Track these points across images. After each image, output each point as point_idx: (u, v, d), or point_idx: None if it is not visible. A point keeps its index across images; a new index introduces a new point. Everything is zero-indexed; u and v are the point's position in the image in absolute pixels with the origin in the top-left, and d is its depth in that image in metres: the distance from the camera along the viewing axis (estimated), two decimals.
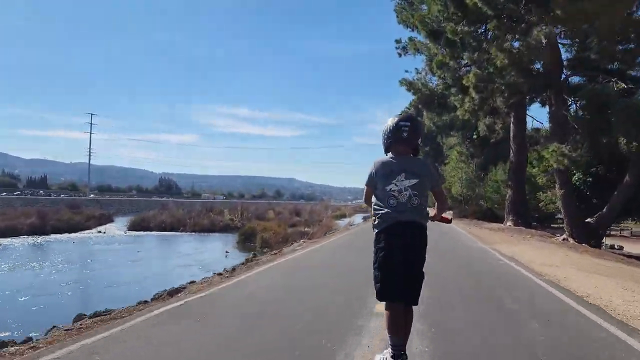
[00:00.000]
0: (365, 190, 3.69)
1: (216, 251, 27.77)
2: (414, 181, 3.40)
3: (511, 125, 28.49)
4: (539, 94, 23.93)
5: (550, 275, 8.90)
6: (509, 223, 27.48)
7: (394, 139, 3.51)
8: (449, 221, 4.05)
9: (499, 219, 31.34)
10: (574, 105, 21.69)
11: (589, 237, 19.98)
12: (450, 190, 42.13)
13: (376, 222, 3.47)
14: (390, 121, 3.54)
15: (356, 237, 18.82)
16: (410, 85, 30.94)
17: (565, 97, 21.02)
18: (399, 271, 3.33)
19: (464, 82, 23.23)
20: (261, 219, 48.39)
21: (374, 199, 3.56)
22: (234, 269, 10.92)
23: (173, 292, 8.33)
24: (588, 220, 20.58)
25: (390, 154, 3.56)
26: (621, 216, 26.43)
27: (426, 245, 3.46)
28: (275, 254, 14.29)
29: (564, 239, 20.00)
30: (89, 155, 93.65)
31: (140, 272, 19.03)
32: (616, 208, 20.01)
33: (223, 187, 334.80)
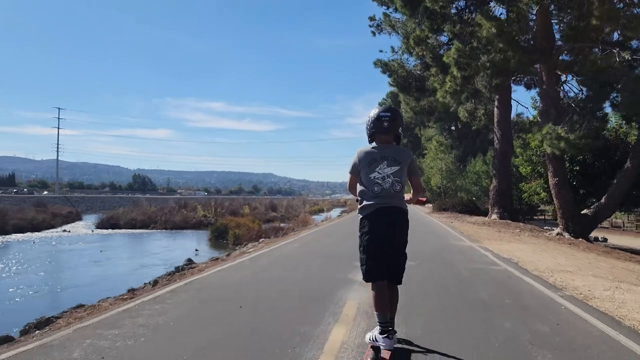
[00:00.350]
0: (349, 179, 3.96)
1: (186, 249, 26.40)
2: (395, 168, 3.73)
3: (495, 109, 26.51)
4: (528, 70, 21.65)
5: (570, 289, 6.73)
6: (494, 216, 25.91)
7: (376, 129, 3.79)
8: (423, 203, 4.34)
9: (482, 212, 30.28)
10: (569, 81, 20.06)
11: (585, 230, 18.39)
12: (430, 182, 41.52)
13: (362, 208, 3.80)
14: (372, 112, 3.84)
15: (325, 236, 17.64)
16: (385, 67, 28.83)
17: (559, 72, 18.86)
18: (383, 253, 3.66)
19: (444, 59, 21.42)
20: (236, 214, 47.12)
21: (359, 186, 3.85)
22: (156, 282, 9.59)
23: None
24: (584, 212, 18.68)
25: (373, 144, 3.83)
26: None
27: (408, 227, 3.82)
28: (216, 260, 11.88)
29: (558, 234, 18.25)
30: (57, 151, 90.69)
31: (99, 274, 17.62)
32: (616, 198, 18.01)
33: (199, 183, 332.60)
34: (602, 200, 18.19)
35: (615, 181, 17.57)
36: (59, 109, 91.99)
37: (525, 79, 25.16)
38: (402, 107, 31.80)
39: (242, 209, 51.70)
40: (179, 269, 12.01)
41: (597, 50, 17.15)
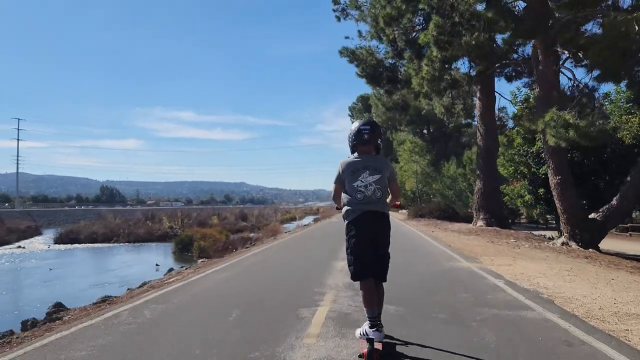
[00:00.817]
0: (334, 188, 4.32)
1: (147, 264, 24.76)
2: (376, 176, 4.11)
3: (477, 102, 23.46)
4: (519, 47, 19.41)
5: None
6: (480, 223, 22.58)
7: (357, 141, 4.21)
8: (398, 207, 4.80)
9: (462, 218, 28.52)
10: (567, 65, 16.80)
11: (595, 238, 15.15)
12: (404, 186, 40.56)
13: (346, 213, 4.18)
14: (353, 126, 4.28)
15: (285, 248, 16.34)
16: (352, 56, 25.33)
17: (559, 49, 15.33)
18: (369, 254, 4.06)
19: (421, 38, 18.79)
20: (204, 225, 45.61)
21: (343, 194, 4.24)
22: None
23: None
24: (592, 216, 15.46)
25: (355, 154, 4.26)
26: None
27: (390, 230, 4.22)
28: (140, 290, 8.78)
29: (563, 244, 15.23)
30: (17, 164, 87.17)
31: (41, 297, 15.86)
32: (629, 198, 14.83)
33: (170, 194, 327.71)
34: (614, 202, 15.03)
35: (628, 179, 14.69)
36: (18, 119, 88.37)
37: (507, 69, 23.11)
38: (372, 109, 30.77)
39: (211, 219, 50.06)
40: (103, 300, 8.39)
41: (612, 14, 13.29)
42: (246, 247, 20.04)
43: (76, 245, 37.71)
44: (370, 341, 3.70)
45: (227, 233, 35.66)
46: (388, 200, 4.33)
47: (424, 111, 30.59)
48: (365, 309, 4.04)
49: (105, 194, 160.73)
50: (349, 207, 4.14)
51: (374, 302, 4.02)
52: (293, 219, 69.93)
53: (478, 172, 23.46)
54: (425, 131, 38.60)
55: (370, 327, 3.96)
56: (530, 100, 20.43)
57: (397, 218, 34.90)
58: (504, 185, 23.99)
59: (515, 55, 20.60)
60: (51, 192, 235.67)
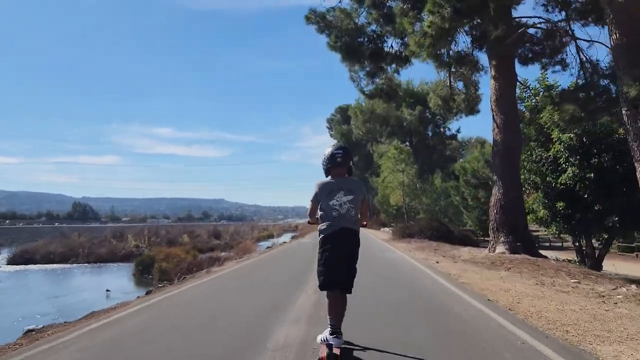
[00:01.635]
0: (310, 206, 4.69)
1: (100, 289, 22.00)
2: (350, 197, 4.48)
3: (491, 83, 17.15)
4: None
5: None
6: (500, 248, 15.74)
7: (331, 164, 4.57)
8: (364, 225, 5.07)
9: (458, 239, 24.29)
10: None
11: None
12: (389, 200, 38.27)
13: (322, 229, 4.50)
14: (327, 151, 4.64)
15: (246, 273, 13.95)
16: (322, 21, 19.29)
17: None
18: (340, 267, 4.39)
19: None
20: (173, 244, 42.95)
21: (319, 212, 4.57)
22: None
23: None
24: None
25: (330, 177, 4.60)
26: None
27: (359, 246, 4.55)
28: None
29: None
30: None
31: None
32: None
33: (148, 210, 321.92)
34: None
35: None
36: None
37: (522, 49, 18.10)
38: (352, 121, 28.58)
39: (182, 237, 47.25)
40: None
41: None
42: (206, 271, 17.57)
43: (31, 266, 34.59)
44: (329, 347, 4.12)
45: (194, 253, 33.10)
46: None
47: (406, 122, 28.62)
48: (329, 317, 4.38)
49: (77, 211, 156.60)
50: (326, 223, 4.47)
51: (337, 311, 4.38)
52: (270, 236, 67.46)
53: (495, 176, 17.29)
54: (407, 143, 36.86)
55: (331, 334, 4.32)
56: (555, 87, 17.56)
57: (378, 237, 31.25)
58: None
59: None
60: (24, 209, 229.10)
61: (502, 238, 15.84)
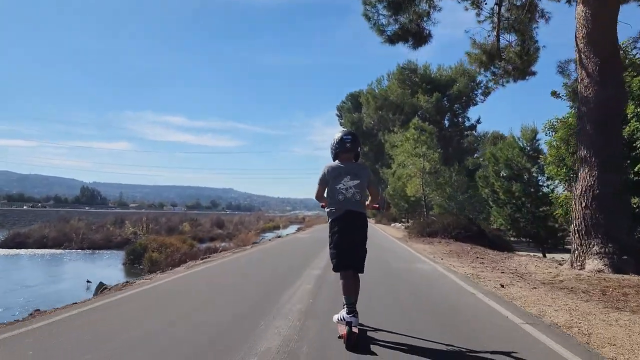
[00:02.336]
0: (317, 189, 4.87)
1: (82, 279, 20.19)
2: (356, 181, 4.63)
3: (577, 11, 11.74)
4: None
5: None
6: (592, 262, 10.39)
7: (340, 149, 4.76)
8: (378, 208, 5.35)
9: (491, 241, 19.66)
10: None
11: None
12: (401, 193, 34.83)
13: (330, 212, 4.69)
14: (337, 136, 4.83)
15: (241, 265, 12.01)
16: None
17: None
18: (349, 248, 4.55)
19: None
20: (173, 232, 41.37)
21: (325, 194, 4.79)
22: None
23: None
24: None
25: (337, 161, 4.78)
26: None
27: (367, 228, 4.74)
28: None
29: None
30: None
31: None
32: None
33: (157, 197, 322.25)
34: None
35: None
36: None
37: None
38: (363, 109, 26.17)
39: (182, 225, 45.53)
40: None
41: None
42: (202, 259, 15.71)
43: (22, 250, 33.00)
44: (348, 324, 4.29)
45: (192, 242, 31.35)
46: (368, 202, 4.91)
47: (422, 110, 26.36)
48: (344, 297, 4.50)
49: (85, 195, 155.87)
50: (331, 207, 4.67)
51: (351, 291, 4.51)
52: (276, 227, 66.29)
53: (583, 151, 11.23)
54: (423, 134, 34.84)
55: (348, 313, 4.42)
56: None
57: (390, 234, 26.82)
58: (552, 194, 16.31)
59: None
60: (35, 192, 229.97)
61: (596, 247, 10.48)
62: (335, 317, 4.83)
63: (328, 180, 4.67)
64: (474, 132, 38.69)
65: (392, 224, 39.81)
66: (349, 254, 4.51)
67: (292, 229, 54.95)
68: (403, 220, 38.19)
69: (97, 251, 32.99)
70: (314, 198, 5.00)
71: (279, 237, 32.15)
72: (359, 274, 4.62)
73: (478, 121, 40.81)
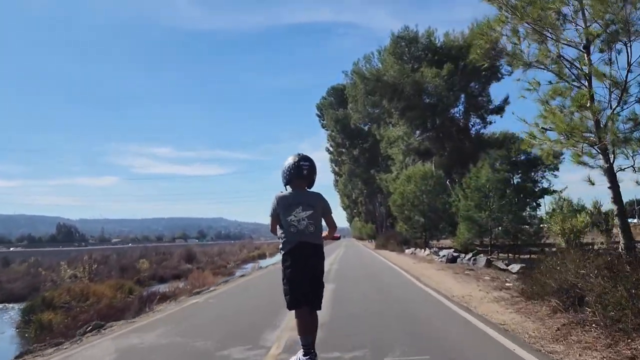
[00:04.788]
0: (270, 222, 4.51)
1: None
2: (309, 212, 4.28)
3: None
4: None
5: None
6: None
7: (295, 175, 4.35)
8: (337, 238, 5.00)
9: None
10: None
11: None
12: (421, 197, 27.01)
13: (283, 245, 4.36)
14: (292, 159, 4.38)
15: None
16: None
17: None
18: (304, 282, 4.19)
19: None
20: (127, 271, 33.72)
21: (279, 227, 4.44)
22: None
23: None
24: None
25: (289, 188, 4.43)
26: None
27: (324, 259, 4.44)
28: None
29: None
30: None
31: None
32: None
33: (146, 231, 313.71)
34: None
35: None
36: None
37: None
38: (350, 103, 18.86)
39: (140, 263, 37.66)
40: None
41: None
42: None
43: None
44: None
45: (131, 287, 23.73)
46: (326, 234, 4.65)
47: (428, 91, 19.07)
48: (300, 337, 4.25)
49: (62, 233, 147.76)
50: (284, 239, 4.31)
51: (308, 330, 4.23)
52: (262, 255, 59.30)
53: None
54: (428, 124, 27.02)
55: (304, 355, 4.19)
56: None
57: (426, 280, 21.60)
58: None
59: None
60: (20, 232, 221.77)
61: None
62: (292, 359, 4.46)
63: (279, 211, 4.33)
64: (501, 115, 30.47)
65: (406, 250, 28.85)
66: (304, 289, 4.21)
67: (279, 257, 47.53)
68: (418, 240, 29.61)
69: (9, 305, 25.13)
70: (270, 232, 4.65)
71: (261, 267, 29.12)
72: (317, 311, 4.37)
73: (505, 101, 30.71)
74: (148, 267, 36.69)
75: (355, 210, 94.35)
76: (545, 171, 24.04)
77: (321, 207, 4.40)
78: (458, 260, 18.27)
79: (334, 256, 27.11)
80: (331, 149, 65.18)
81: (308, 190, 4.45)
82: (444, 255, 19.80)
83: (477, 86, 30.12)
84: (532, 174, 23.89)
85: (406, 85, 23.37)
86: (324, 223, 4.60)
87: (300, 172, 4.32)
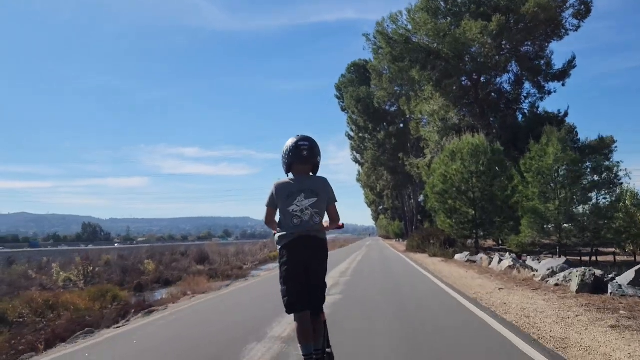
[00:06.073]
0: (266, 212, 3.86)
1: None
2: (313, 200, 3.71)
3: None
4: None
5: None
6: None
7: (294, 158, 3.76)
8: (341, 227, 4.24)
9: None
10: None
11: None
12: (472, 181, 20.05)
13: (279, 239, 3.77)
14: (290, 142, 3.80)
15: None
16: None
17: None
18: (303, 282, 3.66)
19: None
20: (130, 273, 30.44)
21: (277, 218, 3.85)
22: None
23: None
24: None
25: (290, 175, 3.85)
26: None
27: (327, 257, 3.85)
28: None
29: None
30: None
31: None
32: None
33: (174, 230, 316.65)
34: None
35: None
36: None
37: None
38: (373, 80, 14.55)
39: (145, 264, 34.38)
40: None
41: None
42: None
43: None
44: None
45: (117, 294, 20.18)
46: (327, 224, 3.95)
47: (474, 46, 14.75)
48: (300, 345, 3.64)
49: (87, 232, 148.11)
50: (282, 232, 3.75)
51: (309, 337, 3.62)
52: None
53: None
54: (471, 95, 22.29)
55: None
56: None
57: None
58: None
59: None
60: (52, 231, 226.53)
61: None
62: None
63: (277, 201, 3.75)
64: (563, 83, 24.18)
65: (459, 255, 19.56)
66: (303, 291, 3.64)
67: None
68: (470, 241, 22.28)
69: None
70: (265, 224, 3.97)
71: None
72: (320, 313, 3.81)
73: (571, 64, 24.28)
74: (154, 269, 33.43)
75: (381, 207, 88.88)
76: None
77: (327, 194, 3.80)
78: (608, 286, 8.35)
79: (345, 265, 19.17)
80: (352, 133, 56.58)
81: (312, 175, 3.88)
82: (553, 272, 10.37)
83: (533, 46, 24.35)
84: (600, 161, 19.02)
85: (444, 46, 18.90)
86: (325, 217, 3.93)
87: (300, 154, 3.73)
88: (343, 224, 4.29)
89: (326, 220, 4.00)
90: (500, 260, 14.15)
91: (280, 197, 3.73)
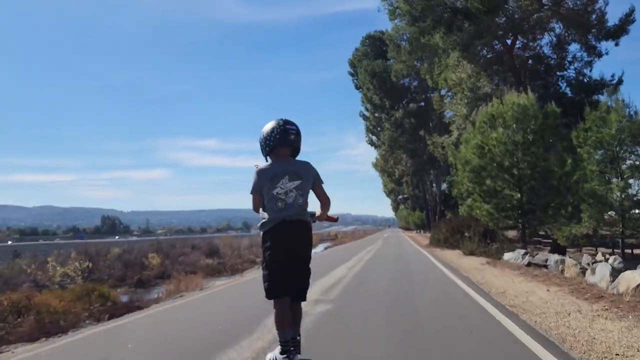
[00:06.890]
0: (252, 199, 3.79)
1: None
2: (297, 182, 3.64)
3: None
4: None
5: None
6: None
7: (280, 141, 3.64)
8: (335, 220, 4.12)
9: None
10: None
11: None
12: (492, 182, 15.72)
13: (262, 224, 3.67)
14: (272, 125, 3.66)
15: None
16: None
17: None
18: (287, 268, 3.56)
19: None
20: (133, 267, 28.62)
21: (263, 203, 3.73)
22: None
23: None
24: None
25: (269, 159, 3.73)
26: None
27: (312, 242, 3.77)
28: None
29: None
30: None
31: None
32: None
33: (194, 222, 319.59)
34: None
35: None
36: None
37: None
38: (390, 51, 11.81)
39: (149, 258, 32.61)
40: None
41: None
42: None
43: None
44: None
45: (105, 292, 18.20)
46: (319, 212, 3.92)
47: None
48: (277, 332, 3.60)
49: (106, 225, 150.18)
50: (268, 216, 3.65)
51: (287, 324, 3.56)
52: None
53: None
54: (505, 59, 19.36)
55: (282, 353, 3.53)
56: None
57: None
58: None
59: None
60: (77, 224, 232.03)
61: None
62: (269, 357, 3.75)
63: (262, 186, 3.65)
64: (617, 42, 19.98)
65: (508, 255, 13.77)
66: (287, 277, 3.55)
67: (320, 247, 43.05)
68: (510, 231, 18.41)
69: None
70: (254, 211, 3.85)
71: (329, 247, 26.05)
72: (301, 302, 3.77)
73: (629, 17, 19.82)
74: (158, 263, 31.59)
75: (400, 197, 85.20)
76: None
77: (311, 176, 3.74)
78: None
79: (343, 269, 13.37)
80: (367, 113, 51.39)
81: (294, 159, 3.79)
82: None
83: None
84: None
85: (473, 2, 16.08)
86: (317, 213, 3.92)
87: (286, 138, 3.65)
88: (337, 217, 4.13)
89: (318, 210, 3.92)
90: (595, 267, 7.95)
91: (264, 180, 3.66)
